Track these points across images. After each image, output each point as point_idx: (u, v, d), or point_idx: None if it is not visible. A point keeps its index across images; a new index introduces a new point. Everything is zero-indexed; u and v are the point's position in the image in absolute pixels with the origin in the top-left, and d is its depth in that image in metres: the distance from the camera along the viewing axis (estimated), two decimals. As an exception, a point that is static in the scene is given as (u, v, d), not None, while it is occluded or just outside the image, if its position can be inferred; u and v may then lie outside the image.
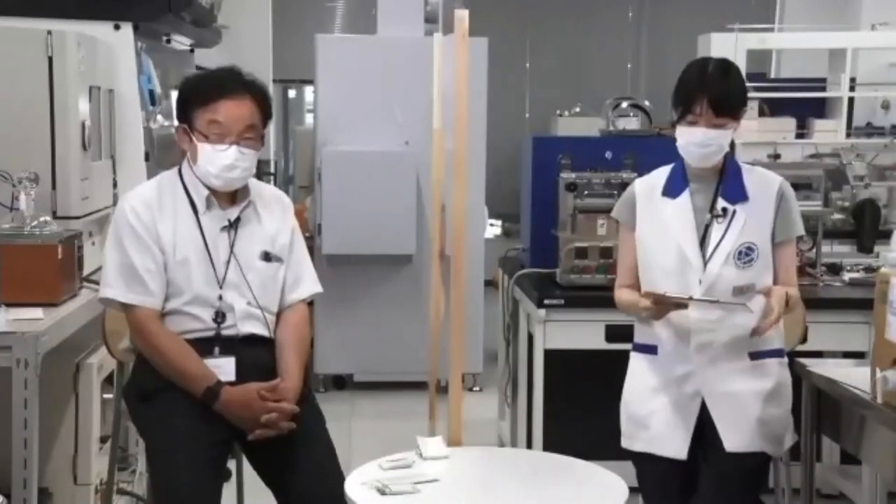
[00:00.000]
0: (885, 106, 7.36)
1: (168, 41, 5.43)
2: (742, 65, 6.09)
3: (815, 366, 3.22)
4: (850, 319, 4.31)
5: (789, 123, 6.49)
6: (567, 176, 4.55)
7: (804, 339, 3.72)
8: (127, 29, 4.61)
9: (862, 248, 5.20)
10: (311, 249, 3.41)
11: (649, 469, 3.21)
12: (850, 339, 4.31)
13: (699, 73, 3.09)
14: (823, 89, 6.86)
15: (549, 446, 4.13)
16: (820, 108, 6.80)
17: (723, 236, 3.10)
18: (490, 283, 6.50)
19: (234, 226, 3.11)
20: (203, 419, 2.98)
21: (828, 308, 4.32)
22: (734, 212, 3.11)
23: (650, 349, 3.20)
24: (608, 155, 4.72)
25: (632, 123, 5.12)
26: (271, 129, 3.13)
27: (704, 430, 3.13)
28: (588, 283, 4.46)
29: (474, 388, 6.53)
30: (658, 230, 3.16)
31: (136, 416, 3.19)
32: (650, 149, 4.42)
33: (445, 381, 3.54)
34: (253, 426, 2.98)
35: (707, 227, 3.12)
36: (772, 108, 6.69)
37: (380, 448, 3.22)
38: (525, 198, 5.11)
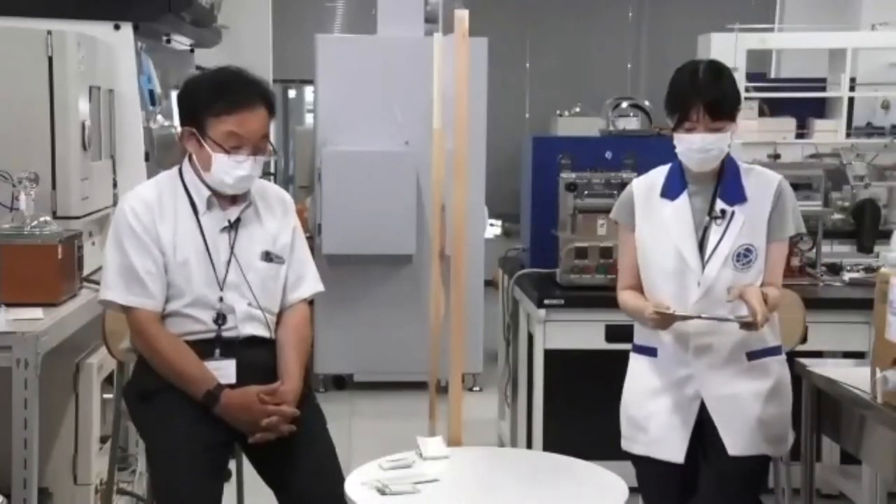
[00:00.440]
0: (885, 106, 7.36)
1: (168, 41, 5.43)
2: (742, 65, 6.11)
3: (815, 366, 3.22)
4: (850, 319, 4.31)
5: (789, 123, 6.50)
6: (567, 176, 4.54)
7: (804, 339, 3.72)
8: (127, 29, 4.61)
9: (862, 248, 5.20)
10: (312, 249, 3.40)
11: (648, 471, 3.21)
12: (850, 339, 4.31)
13: (691, 79, 3.07)
14: (823, 89, 6.86)
15: (549, 446, 4.13)
16: (820, 108, 6.80)
17: (721, 238, 3.09)
18: (490, 283, 6.50)
19: (234, 226, 3.09)
20: (203, 420, 2.98)
21: (828, 308, 4.32)
22: (733, 213, 3.10)
23: (650, 351, 3.20)
24: (608, 155, 4.72)
25: (632, 123, 5.12)
26: (271, 129, 3.11)
27: (704, 431, 3.13)
28: (588, 283, 4.46)
29: (474, 388, 6.53)
30: (657, 232, 3.15)
31: (136, 416, 3.19)
32: (650, 149, 4.42)
33: (445, 381, 3.54)
34: (252, 429, 2.98)
35: (706, 229, 3.11)
36: (772, 108, 6.70)
37: (380, 448, 3.22)
38: (525, 198, 5.11)
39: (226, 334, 3.05)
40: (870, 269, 4.66)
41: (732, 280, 3.07)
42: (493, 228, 9.17)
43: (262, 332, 3.10)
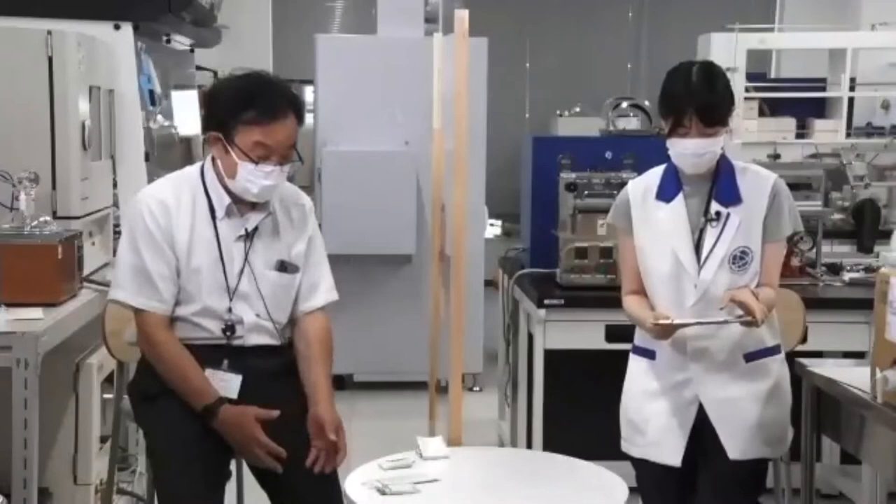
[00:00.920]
0: (885, 106, 7.35)
1: (168, 41, 5.43)
2: (742, 65, 6.10)
3: (815, 366, 3.21)
4: (850, 319, 4.31)
5: (789, 123, 6.50)
6: (567, 176, 4.54)
7: (804, 339, 3.72)
8: (127, 29, 4.61)
9: (862, 248, 5.20)
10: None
11: (647, 474, 3.21)
12: (850, 339, 4.31)
13: (684, 84, 3.03)
14: (823, 89, 6.86)
15: (549, 446, 4.13)
16: (820, 108, 6.80)
17: (716, 241, 3.07)
18: (490, 283, 6.50)
19: (250, 236, 3.01)
20: (206, 423, 2.95)
21: (828, 308, 4.32)
22: (728, 215, 3.07)
23: (649, 353, 3.19)
24: (608, 155, 4.71)
25: (632, 123, 5.12)
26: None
27: (703, 433, 3.12)
28: (588, 283, 4.46)
29: (474, 388, 6.53)
30: (653, 235, 3.14)
31: (139, 416, 3.16)
32: (650, 149, 4.41)
33: (445, 381, 3.54)
34: (243, 450, 2.94)
35: (702, 232, 3.09)
36: (772, 108, 6.70)
37: (380, 448, 3.22)
38: (525, 198, 5.11)
39: (233, 342, 3.00)
40: (870, 269, 4.66)
41: (729, 283, 3.05)
42: (493, 228, 9.17)
43: (269, 341, 3.05)
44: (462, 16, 3.51)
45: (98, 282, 3.95)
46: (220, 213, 2.99)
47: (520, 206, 5.34)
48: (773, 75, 8.35)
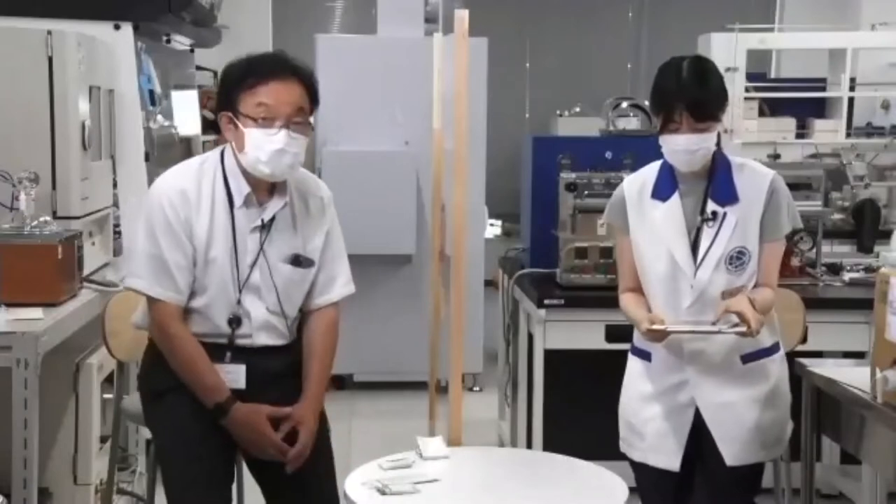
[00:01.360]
0: (885, 106, 7.34)
1: (168, 41, 5.43)
2: (742, 65, 6.10)
3: (815, 366, 3.21)
4: (850, 319, 4.31)
5: (789, 123, 6.49)
6: (567, 176, 4.54)
7: (804, 339, 3.72)
8: (127, 29, 4.61)
9: (862, 248, 5.20)
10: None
11: (646, 476, 3.19)
12: (850, 339, 4.31)
13: (675, 80, 3.00)
14: (823, 89, 6.85)
15: (549, 446, 4.13)
16: (820, 108, 6.79)
17: (713, 241, 3.03)
18: (490, 283, 6.50)
19: (267, 227, 2.97)
20: (214, 421, 2.92)
21: (828, 308, 4.32)
22: (724, 214, 3.03)
23: (645, 355, 3.17)
24: (608, 155, 4.71)
25: (632, 123, 5.12)
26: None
27: (701, 435, 3.11)
28: (588, 283, 4.46)
29: (474, 388, 6.53)
30: (649, 236, 3.10)
31: (147, 415, 3.10)
32: (650, 149, 4.37)
33: (445, 381, 3.54)
34: (254, 449, 2.92)
35: (698, 231, 3.05)
36: (772, 108, 6.69)
37: (380, 448, 3.23)
38: (525, 198, 5.11)
39: (239, 342, 2.96)
40: (870, 269, 4.66)
41: (726, 283, 3.02)
42: (493, 228, 9.17)
43: (276, 341, 3.01)
44: (462, 16, 3.51)
45: (98, 282, 3.95)
46: (238, 201, 2.94)
47: (520, 206, 5.34)
48: (773, 75, 8.34)
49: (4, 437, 3.24)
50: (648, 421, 3.14)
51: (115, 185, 4.53)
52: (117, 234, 4.49)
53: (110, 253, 4.37)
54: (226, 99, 2.92)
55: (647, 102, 5.19)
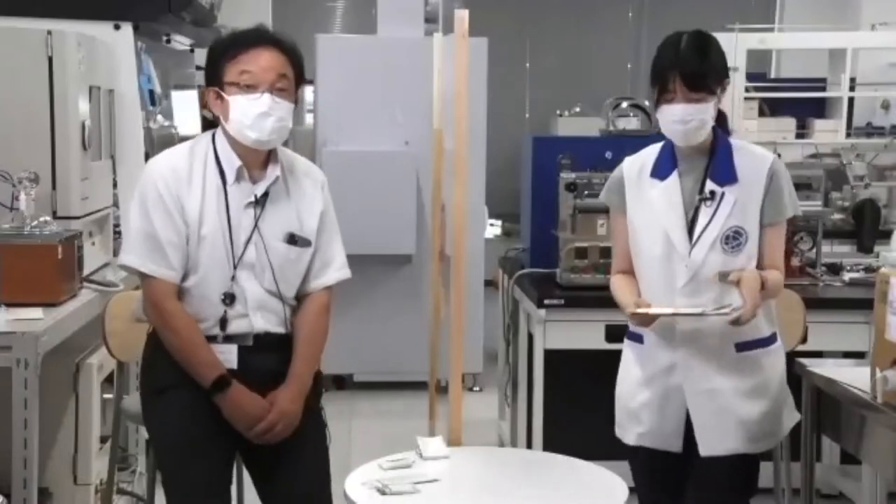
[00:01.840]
0: (885, 106, 7.35)
1: (168, 41, 5.44)
2: (742, 65, 6.10)
3: (815, 366, 3.21)
4: (850, 319, 4.31)
5: (789, 123, 6.49)
6: (567, 176, 4.55)
7: (804, 339, 3.72)
8: (127, 29, 4.61)
9: (862, 248, 5.21)
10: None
11: (640, 461, 3.15)
12: (850, 339, 4.31)
13: (674, 50, 3.01)
14: (823, 89, 6.86)
15: (549, 446, 4.13)
16: (820, 108, 6.79)
17: (710, 220, 2.99)
18: (490, 283, 6.50)
19: (260, 202, 2.97)
20: (214, 418, 2.91)
21: (828, 308, 4.32)
22: (723, 194, 2.99)
23: (638, 338, 3.14)
24: (608, 155, 4.70)
25: (632, 123, 5.12)
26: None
27: (690, 419, 3.07)
28: (588, 283, 4.46)
29: (474, 388, 6.53)
30: (646, 215, 3.07)
31: (146, 414, 3.08)
32: (650, 149, 4.42)
33: (445, 381, 3.54)
34: (248, 427, 2.90)
35: (696, 211, 3.01)
36: (772, 108, 6.69)
37: (380, 448, 3.23)
38: (525, 198, 5.11)
39: (234, 327, 2.94)
40: (870, 269, 4.66)
41: (721, 264, 2.97)
42: (493, 228, 9.17)
43: (275, 327, 2.99)
44: (462, 16, 3.51)
45: (98, 282, 3.95)
46: (230, 177, 2.95)
47: (520, 206, 5.34)
48: (773, 75, 8.35)
49: (4, 437, 3.25)
50: (645, 405, 3.10)
51: (115, 185, 4.53)
52: (117, 234, 4.49)
53: (110, 253, 4.37)
54: (212, 73, 3.01)
55: (647, 102, 5.21)
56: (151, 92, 5.01)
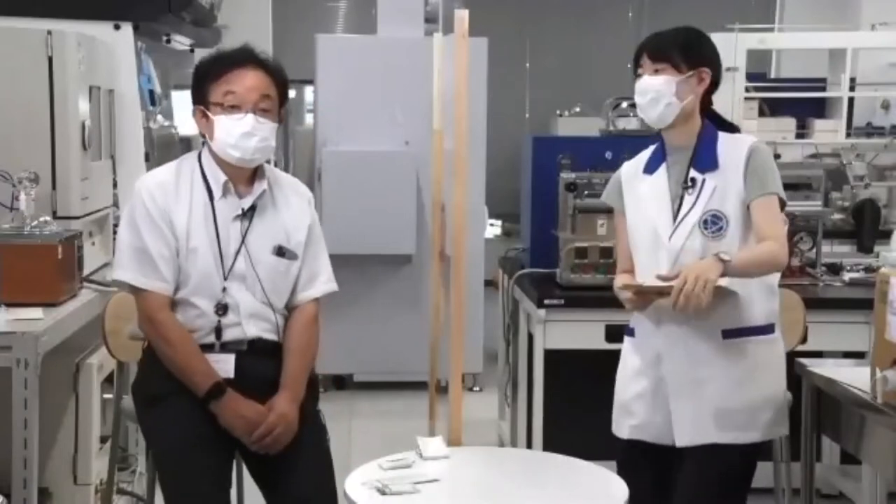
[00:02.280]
0: (885, 106, 7.34)
1: (168, 41, 5.43)
2: (742, 65, 6.09)
3: (815, 366, 3.21)
4: (850, 319, 4.31)
5: (789, 123, 6.48)
6: (567, 176, 4.55)
7: (804, 339, 3.72)
8: (127, 29, 4.61)
9: (862, 248, 5.20)
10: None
11: (630, 456, 3.13)
12: (850, 339, 4.30)
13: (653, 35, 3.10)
14: (823, 89, 6.85)
15: (549, 446, 4.13)
16: (820, 108, 6.78)
17: (691, 207, 3.01)
18: (490, 283, 6.50)
19: (247, 215, 3.03)
20: (210, 425, 2.93)
21: (828, 308, 4.32)
22: (703, 181, 3.01)
23: (630, 331, 3.17)
24: (608, 155, 4.71)
25: (632, 123, 5.12)
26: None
27: None
28: (588, 282, 4.46)
29: (474, 388, 6.53)
30: (638, 209, 3.12)
31: (143, 422, 3.11)
32: (650, 149, 4.41)
33: (445, 381, 3.54)
34: (245, 434, 2.93)
35: (681, 200, 3.04)
36: (772, 108, 6.68)
37: (380, 448, 3.22)
38: (525, 198, 5.11)
39: (229, 335, 2.99)
40: (870, 269, 4.66)
41: (701, 249, 2.97)
42: (493, 228, 9.17)
43: (268, 334, 3.04)
44: (462, 16, 3.51)
45: (98, 282, 3.96)
46: (217, 192, 3.02)
47: (520, 206, 5.34)
48: (773, 75, 8.34)
49: (4, 437, 3.25)
50: (638, 397, 3.10)
51: (115, 185, 4.53)
52: (117, 234, 4.49)
53: (110, 253, 4.37)
54: (198, 93, 3.05)
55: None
56: (151, 92, 5.01)
